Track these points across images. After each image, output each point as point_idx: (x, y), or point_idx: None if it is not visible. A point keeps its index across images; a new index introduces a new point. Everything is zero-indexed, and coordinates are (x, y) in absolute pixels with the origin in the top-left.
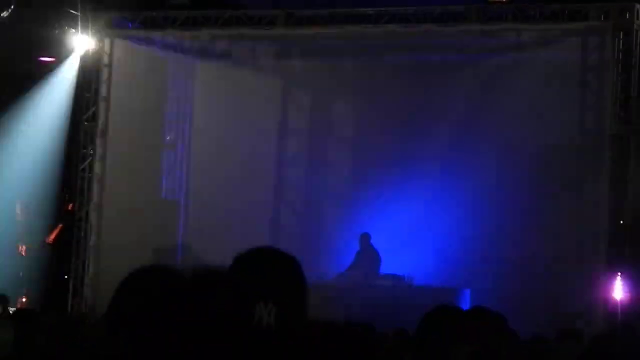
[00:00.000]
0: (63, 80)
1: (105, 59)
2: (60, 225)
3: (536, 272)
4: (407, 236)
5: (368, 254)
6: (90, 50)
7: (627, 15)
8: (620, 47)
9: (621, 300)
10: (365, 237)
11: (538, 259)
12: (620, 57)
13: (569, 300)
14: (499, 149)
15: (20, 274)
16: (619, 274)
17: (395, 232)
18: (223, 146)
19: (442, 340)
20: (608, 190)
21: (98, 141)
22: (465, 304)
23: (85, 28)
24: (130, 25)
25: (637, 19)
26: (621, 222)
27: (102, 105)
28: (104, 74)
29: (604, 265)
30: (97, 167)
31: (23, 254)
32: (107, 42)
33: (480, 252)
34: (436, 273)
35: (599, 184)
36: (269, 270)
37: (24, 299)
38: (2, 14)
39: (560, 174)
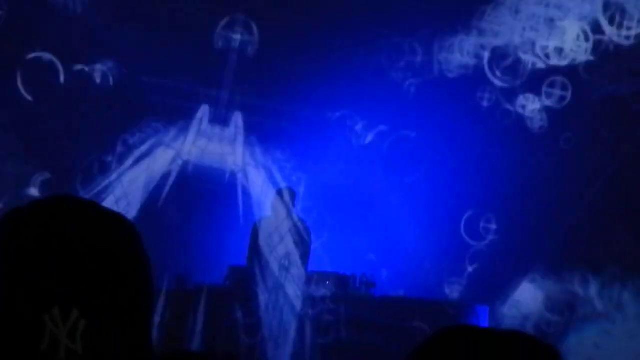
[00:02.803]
0: None
1: None
2: None
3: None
4: (359, 214)
5: (291, 230)
6: None
7: None
8: None
9: None
10: (288, 195)
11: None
12: None
13: None
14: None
15: None
16: None
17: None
18: None
19: None
20: None
21: None
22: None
23: None
24: None
25: None
26: None
27: None
28: None
29: None
30: None
31: None
32: None
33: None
34: (407, 278)
35: None
36: (76, 243)
37: None
38: None
39: None
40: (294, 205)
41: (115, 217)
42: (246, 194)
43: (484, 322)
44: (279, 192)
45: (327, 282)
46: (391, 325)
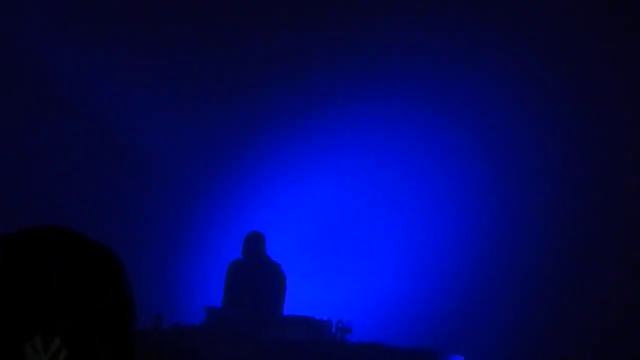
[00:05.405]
0: None
1: None
2: None
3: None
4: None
5: (264, 273)
6: None
7: None
8: None
9: None
10: (256, 240)
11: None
12: None
13: None
14: None
15: None
16: None
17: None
18: None
19: None
20: None
21: None
22: None
23: None
24: None
25: None
26: None
27: None
28: None
29: None
30: None
31: None
32: None
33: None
34: (386, 326)
35: None
36: (61, 273)
37: None
38: None
39: None
40: (264, 248)
41: (102, 250)
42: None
43: None
44: (249, 236)
45: (302, 327)
46: None
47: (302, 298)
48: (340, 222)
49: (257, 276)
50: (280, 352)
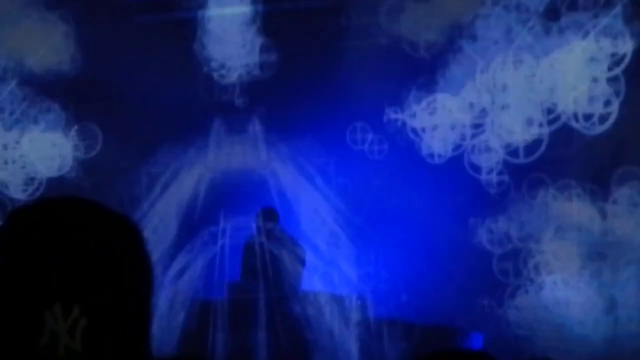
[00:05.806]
0: None
1: None
2: None
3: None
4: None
5: (282, 247)
6: None
7: None
8: None
9: None
10: (269, 216)
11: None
12: None
13: None
14: None
15: None
16: None
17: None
18: None
19: None
20: None
21: None
22: None
23: None
24: None
25: None
26: None
27: None
28: None
29: None
30: None
31: None
32: None
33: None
34: (408, 302)
35: None
36: (79, 242)
37: None
38: None
39: None
40: (277, 224)
41: (120, 218)
42: (279, 191)
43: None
44: (262, 213)
45: (322, 302)
46: (381, 347)
47: (322, 273)
48: (359, 198)
49: (276, 250)
50: (299, 327)
